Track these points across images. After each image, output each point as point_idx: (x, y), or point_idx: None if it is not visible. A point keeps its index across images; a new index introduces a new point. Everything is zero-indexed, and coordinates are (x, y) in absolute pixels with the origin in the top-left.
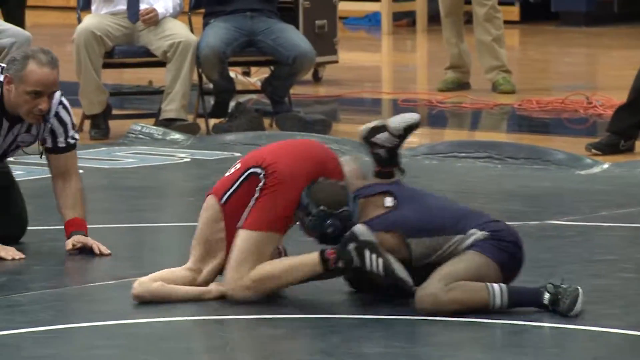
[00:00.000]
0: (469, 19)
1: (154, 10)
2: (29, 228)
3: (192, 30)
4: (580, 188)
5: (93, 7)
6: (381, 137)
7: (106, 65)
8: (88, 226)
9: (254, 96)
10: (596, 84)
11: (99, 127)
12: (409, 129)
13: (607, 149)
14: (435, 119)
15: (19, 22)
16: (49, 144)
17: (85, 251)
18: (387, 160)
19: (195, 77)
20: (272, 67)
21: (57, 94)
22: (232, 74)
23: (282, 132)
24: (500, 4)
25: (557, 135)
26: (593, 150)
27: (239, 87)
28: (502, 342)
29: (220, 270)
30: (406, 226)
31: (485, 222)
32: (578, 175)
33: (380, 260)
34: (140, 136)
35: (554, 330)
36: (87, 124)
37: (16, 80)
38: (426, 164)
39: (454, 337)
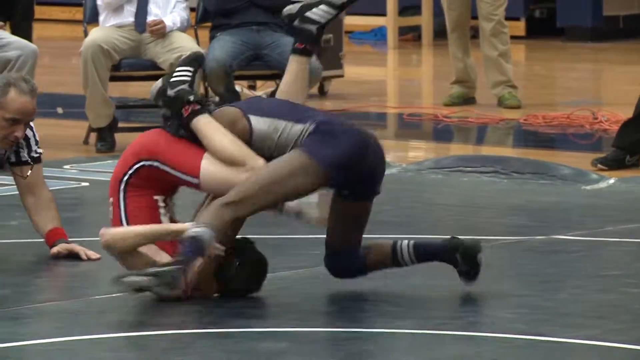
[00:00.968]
0: (475, 33)
1: (161, 21)
2: (30, 241)
3: (198, 44)
4: (586, 203)
5: (101, 18)
6: (317, 11)
7: (112, 78)
8: (93, 238)
9: None
10: (602, 99)
11: (105, 140)
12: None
13: (613, 164)
14: (441, 133)
15: (26, 35)
16: (12, 158)
17: (72, 258)
18: (314, 38)
19: (201, 90)
20: (278, 81)
21: None
22: (237, 88)
23: None
24: (506, 19)
25: (563, 150)
26: (599, 166)
27: None
28: (507, 357)
29: None
30: (249, 108)
31: (321, 118)
32: (584, 190)
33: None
34: None
35: (557, 345)
36: (93, 136)
37: None
38: (432, 178)
39: (458, 350)
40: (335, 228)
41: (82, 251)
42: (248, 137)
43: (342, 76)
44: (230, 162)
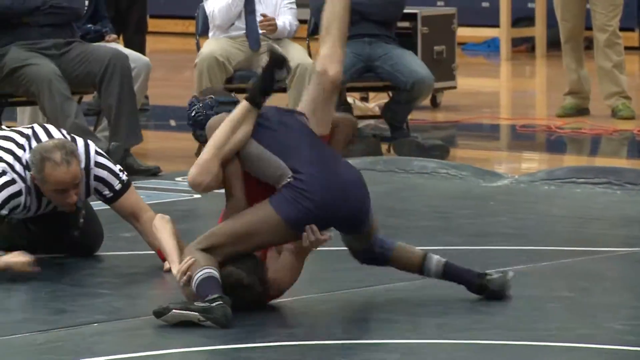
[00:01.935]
0: (589, 44)
1: (273, 19)
2: (143, 253)
3: (310, 55)
4: None
5: (211, 33)
6: (282, 74)
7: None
8: None
9: (372, 121)
10: None
11: None
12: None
13: None
14: (554, 144)
15: (139, 48)
16: (100, 196)
17: None
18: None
19: None
20: (391, 93)
21: (88, 152)
22: (350, 100)
23: (399, 158)
24: (620, 29)
25: None
26: None
27: (357, 113)
28: None
29: None
30: (264, 133)
31: (299, 170)
32: None
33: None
34: None
35: None
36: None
37: (39, 180)
38: (545, 189)
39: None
40: (345, 241)
41: None
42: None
43: (454, 87)
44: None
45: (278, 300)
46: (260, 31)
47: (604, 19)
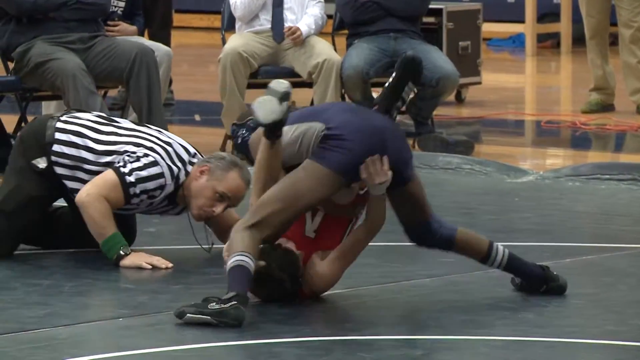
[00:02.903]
0: (614, 40)
1: (298, 29)
2: (168, 248)
3: (335, 50)
4: None
5: (237, 26)
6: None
7: (250, 86)
8: None
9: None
10: None
11: None
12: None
13: None
14: (579, 140)
15: (165, 43)
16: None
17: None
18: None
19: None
20: (416, 89)
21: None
22: (375, 95)
23: (423, 153)
24: None
25: None
26: None
27: None
28: None
29: None
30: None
31: (334, 120)
32: None
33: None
34: None
35: None
36: (229, 144)
37: (213, 175)
38: (569, 185)
39: (595, 359)
40: (397, 214)
41: None
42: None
43: (479, 83)
44: None
45: None
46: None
47: (629, 15)
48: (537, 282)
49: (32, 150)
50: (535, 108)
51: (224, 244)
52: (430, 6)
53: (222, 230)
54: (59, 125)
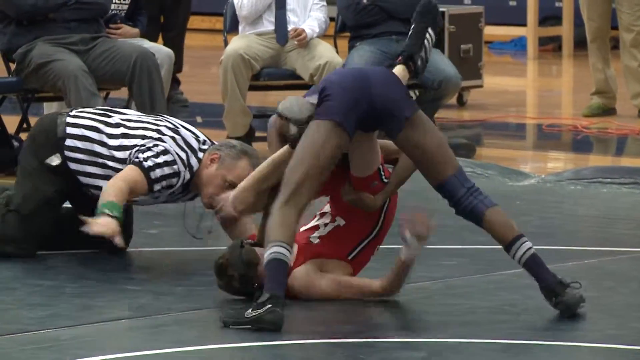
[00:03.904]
0: (615, 44)
1: (303, 31)
2: (170, 249)
3: (337, 53)
4: None
5: (240, 27)
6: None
7: (252, 87)
8: None
9: None
10: None
11: None
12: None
13: None
14: (580, 144)
15: (178, 49)
16: None
17: None
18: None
19: None
20: (417, 91)
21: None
22: None
23: None
24: None
25: None
26: None
27: None
28: None
29: None
30: None
31: (324, 82)
32: None
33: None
34: None
35: None
36: None
37: (223, 163)
38: (571, 189)
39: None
40: (420, 170)
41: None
42: None
43: (481, 86)
44: None
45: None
46: (290, 28)
47: (629, 19)
48: (546, 293)
49: (44, 148)
50: (537, 111)
51: (228, 234)
52: None
53: (229, 221)
54: (70, 120)
